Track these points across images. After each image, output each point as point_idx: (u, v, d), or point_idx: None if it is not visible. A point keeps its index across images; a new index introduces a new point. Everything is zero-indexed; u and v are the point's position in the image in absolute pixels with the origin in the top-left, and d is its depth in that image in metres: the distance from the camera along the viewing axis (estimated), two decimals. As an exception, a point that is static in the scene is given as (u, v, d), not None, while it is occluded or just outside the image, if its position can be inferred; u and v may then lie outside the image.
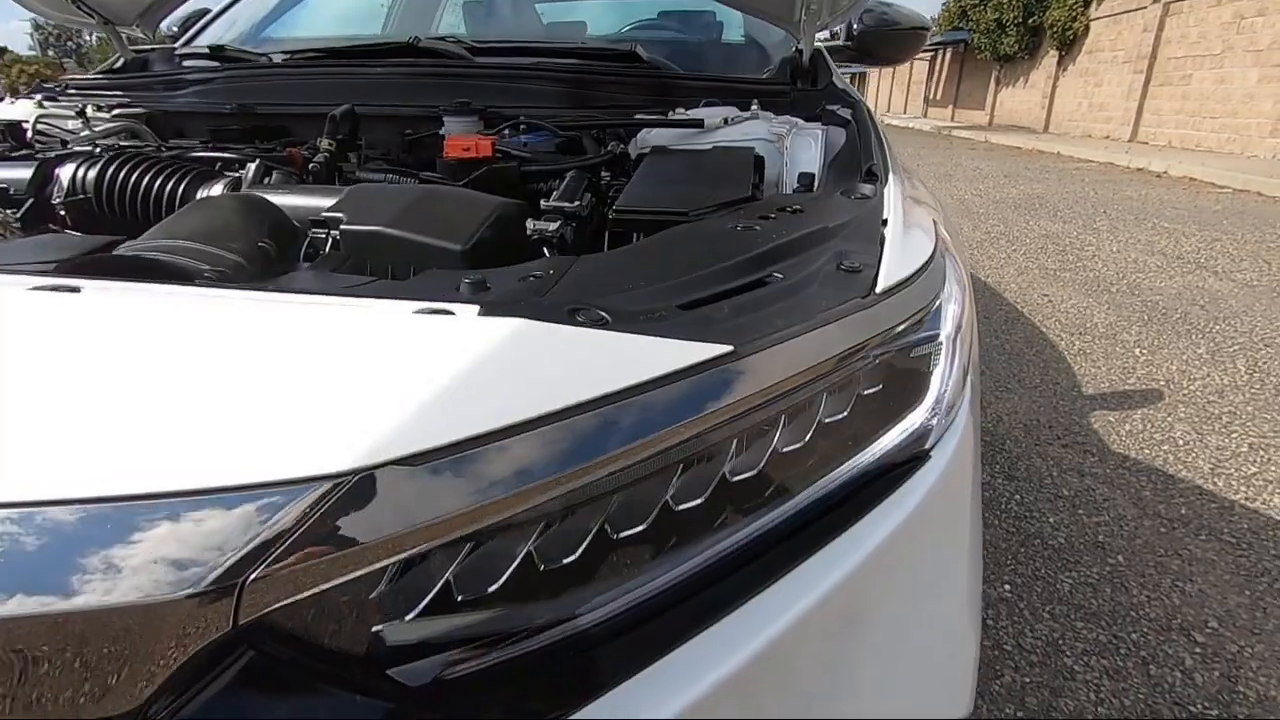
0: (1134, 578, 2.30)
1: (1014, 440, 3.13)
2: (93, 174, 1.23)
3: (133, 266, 0.80)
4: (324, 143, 1.59)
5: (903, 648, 0.76)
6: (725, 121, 1.63)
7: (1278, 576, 2.29)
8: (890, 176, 1.20)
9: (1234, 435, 3.16)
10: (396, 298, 0.69)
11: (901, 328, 0.87)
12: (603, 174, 1.43)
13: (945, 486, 0.87)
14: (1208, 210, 8.29)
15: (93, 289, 0.68)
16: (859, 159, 1.36)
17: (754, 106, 1.76)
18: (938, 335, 0.90)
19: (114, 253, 0.83)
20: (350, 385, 0.60)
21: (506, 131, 1.58)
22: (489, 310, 0.67)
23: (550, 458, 0.57)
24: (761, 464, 0.70)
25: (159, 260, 0.80)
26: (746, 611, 0.63)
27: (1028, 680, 1.89)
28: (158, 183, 1.20)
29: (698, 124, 1.62)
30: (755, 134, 1.62)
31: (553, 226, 1.09)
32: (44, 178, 1.28)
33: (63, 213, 1.27)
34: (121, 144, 1.74)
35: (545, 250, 1.14)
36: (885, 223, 1.06)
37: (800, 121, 1.76)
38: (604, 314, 0.72)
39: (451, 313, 0.67)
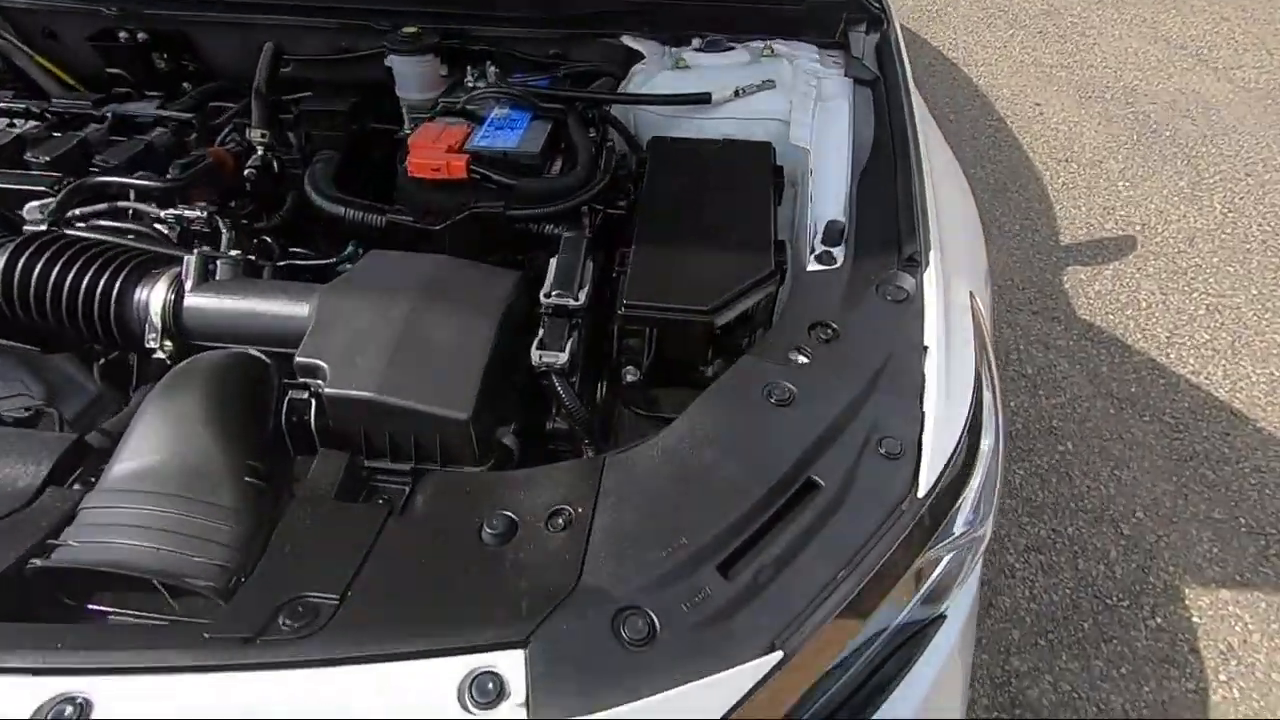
0: (1078, 466, 2.53)
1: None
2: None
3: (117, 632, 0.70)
4: (255, 134, 1.33)
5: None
6: (736, 94, 1.39)
7: (1204, 460, 2.54)
8: (931, 258, 1.08)
9: (1195, 295, 3.26)
10: (427, 652, 0.65)
11: (942, 529, 0.87)
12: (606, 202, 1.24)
13: (957, 637, 0.93)
14: (1223, -33, 7.54)
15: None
16: (892, 189, 1.20)
17: (765, 55, 1.49)
18: (973, 531, 0.90)
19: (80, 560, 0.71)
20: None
21: (478, 126, 1.32)
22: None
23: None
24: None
25: (146, 569, 0.70)
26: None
27: (975, 583, 2.16)
28: (85, 280, 1.00)
29: (704, 99, 1.38)
30: (771, 110, 1.39)
31: (562, 358, 0.98)
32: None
33: None
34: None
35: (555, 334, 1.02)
36: (925, 350, 0.99)
37: (820, 69, 1.51)
38: (653, 616, 0.71)
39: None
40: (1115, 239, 3.65)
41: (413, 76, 1.57)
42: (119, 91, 1.81)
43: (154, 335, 0.99)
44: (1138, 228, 3.72)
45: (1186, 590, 2.18)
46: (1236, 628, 2.08)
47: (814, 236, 1.17)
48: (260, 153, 1.34)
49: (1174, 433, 2.65)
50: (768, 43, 1.52)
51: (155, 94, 1.82)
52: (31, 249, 1.00)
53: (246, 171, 1.33)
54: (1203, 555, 2.27)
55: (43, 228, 1.12)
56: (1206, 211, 3.83)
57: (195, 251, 1.03)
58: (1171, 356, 2.98)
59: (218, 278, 1.03)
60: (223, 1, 1.73)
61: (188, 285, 1.01)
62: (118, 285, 1.00)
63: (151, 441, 0.79)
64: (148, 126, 1.41)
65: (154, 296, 1.00)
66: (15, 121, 1.44)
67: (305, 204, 1.33)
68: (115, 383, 1.12)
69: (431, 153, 1.23)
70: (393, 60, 1.57)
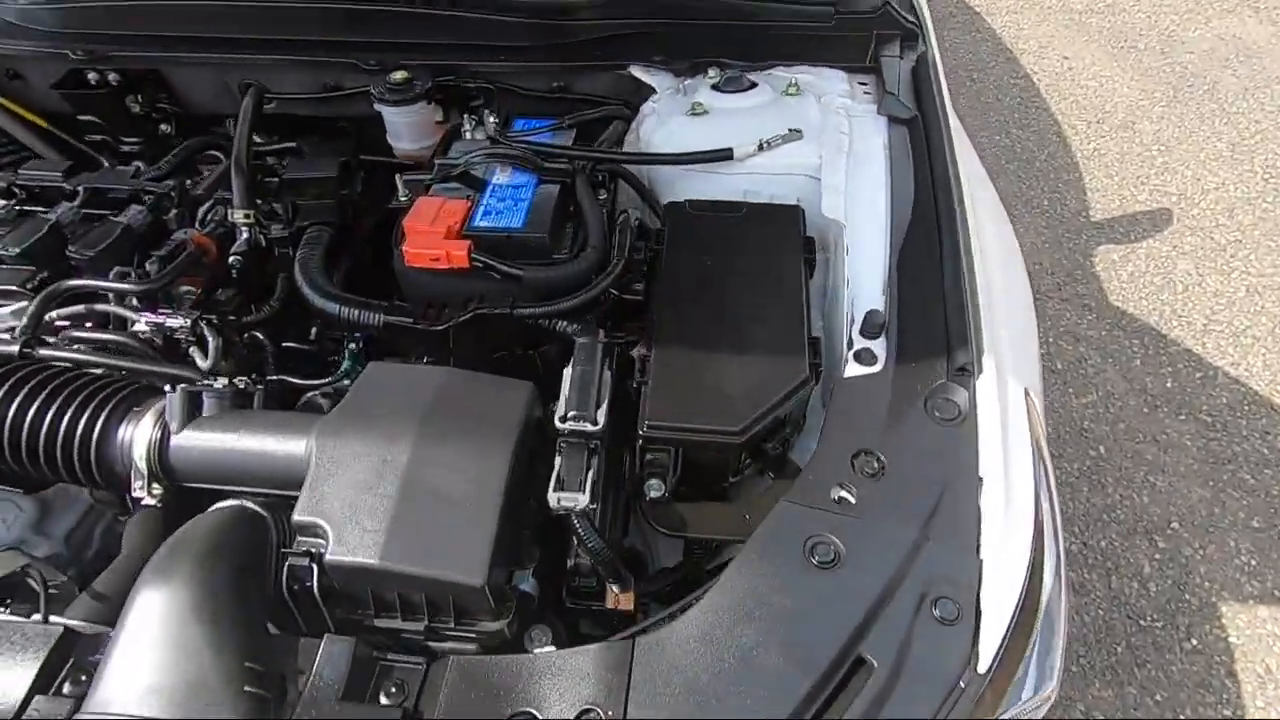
0: (1110, 472, 2.45)
1: (1015, 296, 3.06)
2: None
3: None
4: (238, 215, 1.22)
5: None
6: (761, 147, 1.26)
7: (1242, 463, 2.46)
8: (985, 364, 0.98)
9: (1234, 275, 3.11)
10: None
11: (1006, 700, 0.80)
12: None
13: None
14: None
15: None
16: (937, 272, 1.09)
17: (790, 92, 1.34)
18: (1041, 694, 0.83)
19: None
20: None
21: (480, 196, 1.20)
22: None
23: None
24: None
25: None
26: None
27: (1005, 606, 2.12)
28: (63, 423, 0.91)
29: (726, 155, 1.25)
30: (799, 165, 1.26)
31: (583, 500, 0.90)
32: None
33: None
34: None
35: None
36: (980, 481, 0.90)
37: (851, 104, 1.36)
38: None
39: None
40: (1149, 213, 3.47)
41: (405, 127, 1.45)
42: (92, 139, 1.70)
43: (140, 482, 0.92)
44: (1173, 198, 3.54)
45: (1223, 608, 2.13)
46: (1275, 648, 2.03)
47: (850, 325, 1.07)
48: (244, 235, 1.23)
49: (1210, 432, 2.56)
50: (793, 78, 1.38)
51: (131, 140, 1.71)
52: (2, 388, 0.92)
53: (231, 259, 1.23)
54: (1240, 568, 2.21)
55: (14, 349, 1.04)
56: (1246, 177, 3.63)
57: (179, 388, 0.94)
58: (1209, 345, 2.86)
59: (205, 413, 0.95)
60: (196, 40, 1.59)
61: (173, 426, 0.93)
62: (98, 427, 0.92)
63: (144, 649, 0.72)
64: (123, 202, 1.30)
65: (138, 438, 0.92)
66: (-15, 200, 1.35)
67: (296, 292, 1.23)
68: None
69: (429, 240, 1.12)
70: (383, 109, 1.44)
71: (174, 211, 1.29)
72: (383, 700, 0.78)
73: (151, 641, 0.74)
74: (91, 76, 1.63)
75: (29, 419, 0.92)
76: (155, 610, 0.76)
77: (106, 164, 1.74)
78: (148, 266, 1.23)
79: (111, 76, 1.62)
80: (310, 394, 1.12)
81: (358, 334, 1.25)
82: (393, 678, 0.79)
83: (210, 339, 1.10)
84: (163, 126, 1.68)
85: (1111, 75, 4.38)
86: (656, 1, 1.54)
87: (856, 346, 1.04)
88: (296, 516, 0.86)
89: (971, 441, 0.91)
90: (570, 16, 1.53)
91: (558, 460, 0.96)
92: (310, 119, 1.65)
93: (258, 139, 1.68)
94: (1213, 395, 2.70)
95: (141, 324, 1.10)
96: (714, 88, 1.39)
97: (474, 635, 0.89)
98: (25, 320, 1.07)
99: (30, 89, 1.71)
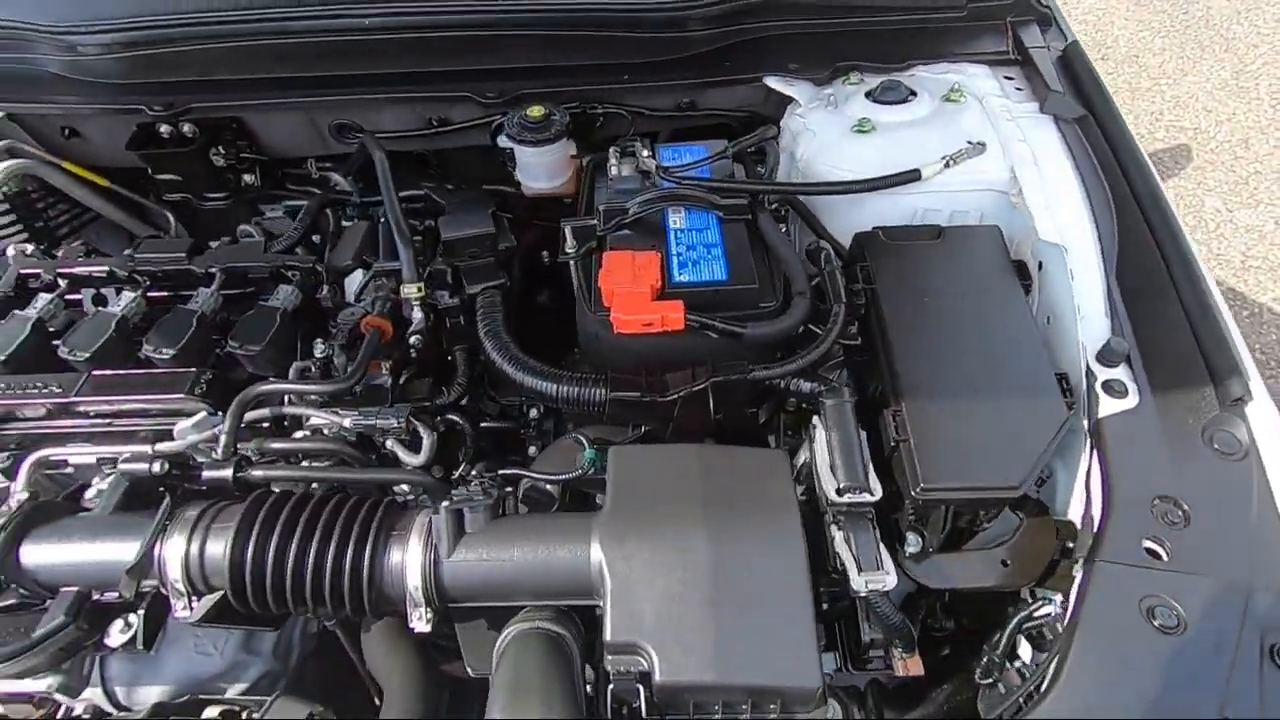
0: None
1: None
2: (220, 551, 0.83)
3: None
4: (411, 290, 1.12)
5: None
6: (947, 164, 1.21)
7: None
8: (1254, 389, 0.96)
9: (1260, 208, 3.19)
10: None
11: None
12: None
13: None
14: None
15: None
16: (1166, 288, 1.07)
17: (953, 97, 1.27)
18: None
19: None
20: None
21: (665, 245, 1.13)
22: None
23: None
24: None
25: None
26: None
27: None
28: (329, 560, 0.82)
29: (913, 177, 1.20)
30: (988, 180, 1.22)
31: (890, 580, 0.87)
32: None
33: None
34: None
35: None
36: None
37: (1009, 105, 1.31)
38: None
39: None
40: (1169, 150, 3.51)
41: (541, 166, 1.34)
42: (172, 198, 1.56)
43: (419, 611, 0.86)
44: (1189, 133, 3.59)
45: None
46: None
47: (1086, 354, 1.04)
48: (420, 316, 1.13)
49: (1265, 370, 2.64)
50: (954, 81, 1.31)
51: (216, 195, 1.57)
52: (256, 532, 0.84)
53: (412, 339, 1.13)
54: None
55: (226, 473, 0.95)
56: (1255, 106, 3.69)
57: (443, 508, 0.87)
58: (1250, 283, 2.93)
59: (469, 529, 0.89)
60: (279, 81, 1.44)
61: (443, 549, 0.87)
62: (367, 560, 0.86)
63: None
64: (264, 280, 1.19)
65: (410, 566, 0.86)
66: (101, 291, 1.21)
67: (476, 362, 1.15)
68: None
69: (637, 302, 1.05)
70: (519, 149, 1.33)
71: (326, 289, 1.19)
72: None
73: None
74: (164, 130, 1.48)
75: (291, 563, 0.85)
76: None
77: (172, 223, 1.60)
78: (316, 354, 1.13)
79: (186, 128, 1.48)
80: (531, 482, 1.05)
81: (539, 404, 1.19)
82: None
83: (425, 435, 1.02)
84: (246, 177, 1.54)
85: (1109, 7, 4.37)
86: (780, 4, 1.45)
87: (1102, 378, 1.02)
88: (612, 638, 0.82)
89: (1262, 476, 0.91)
90: (690, 28, 1.43)
91: (837, 535, 0.93)
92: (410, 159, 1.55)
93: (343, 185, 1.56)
94: (1262, 334, 2.78)
95: (346, 423, 1.02)
96: (870, 97, 1.32)
97: (794, 725, 0.87)
98: (225, 438, 0.98)
99: (90, 146, 1.55)
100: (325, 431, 1.09)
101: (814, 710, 0.87)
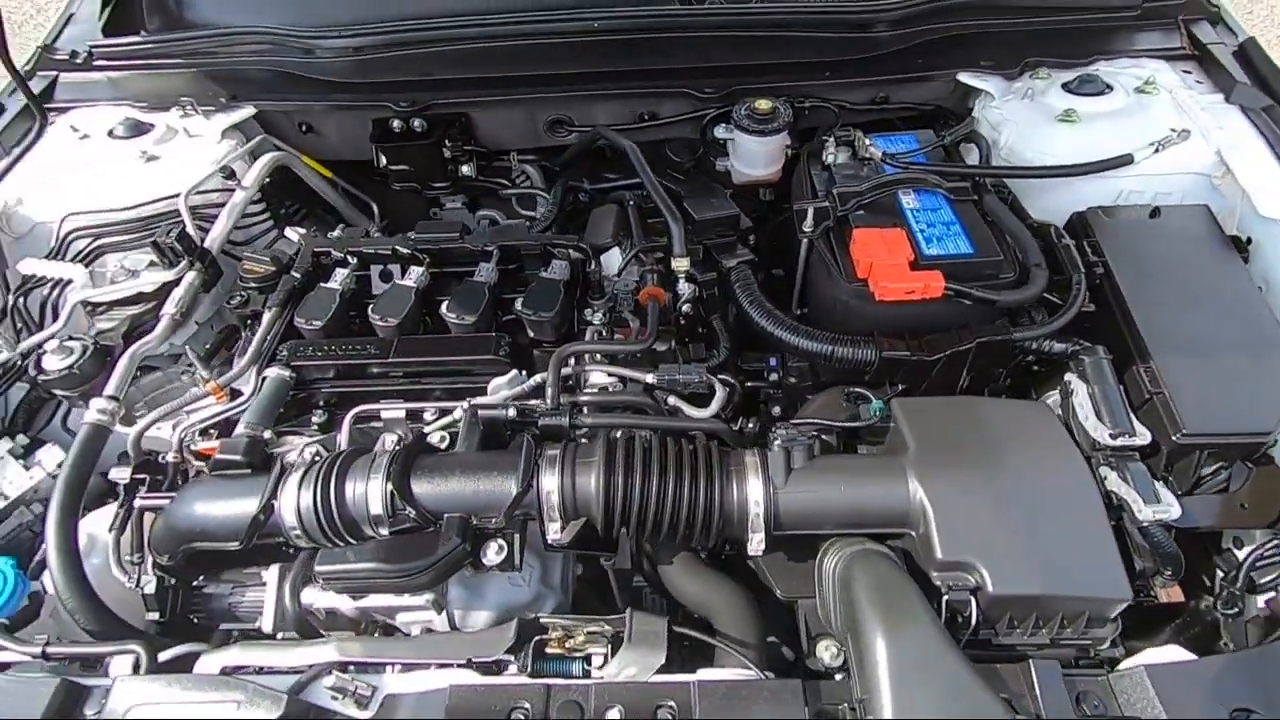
0: None
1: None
2: (589, 484, 0.95)
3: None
4: (681, 265, 1.24)
5: None
6: (1156, 149, 1.32)
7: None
8: None
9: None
10: None
11: None
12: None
13: None
14: None
15: None
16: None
17: (1146, 89, 1.39)
18: None
19: None
20: None
21: (906, 222, 1.25)
22: None
23: None
24: None
25: None
26: None
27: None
28: (685, 493, 0.94)
29: (1126, 161, 1.31)
30: (1191, 164, 1.33)
31: (1175, 509, 0.98)
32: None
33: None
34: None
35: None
36: None
37: (1195, 96, 1.43)
38: None
39: None
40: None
41: (761, 155, 1.47)
42: (406, 187, 1.70)
43: (758, 537, 0.98)
44: None
45: None
46: None
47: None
48: (690, 289, 1.26)
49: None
50: (1148, 74, 1.43)
51: (439, 184, 1.71)
52: (622, 469, 0.96)
53: (685, 308, 1.26)
54: None
55: (563, 420, 1.07)
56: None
57: (778, 445, 0.99)
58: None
59: (795, 465, 1.01)
60: (501, 79, 1.58)
61: (778, 481, 0.99)
62: (718, 490, 0.97)
63: (918, 696, 0.80)
64: (537, 258, 1.32)
65: (751, 495, 0.98)
66: (388, 268, 1.34)
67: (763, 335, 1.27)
68: None
69: (899, 273, 1.17)
70: (738, 137, 1.46)
71: (593, 264, 1.32)
72: (1086, 711, 0.87)
73: (925, 687, 0.81)
74: (396, 125, 1.62)
75: (653, 494, 0.97)
76: (915, 659, 0.83)
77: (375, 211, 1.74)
78: (594, 320, 1.26)
79: (417, 124, 1.61)
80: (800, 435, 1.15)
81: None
82: (1086, 691, 0.88)
83: (719, 390, 1.15)
84: (464, 168, 1.68)
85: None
86: (967, 6, 1.57)
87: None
88: (943, 556, 0.93)
89: None
90: (877, 30, 1.56)
91: (1110, 475, 1.04)
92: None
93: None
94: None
95: (649, 379, 1.14)
96: (1067, 90, 1.44)
97: (1084, 643, 0.98)
98: (551, 390, 1.10)
99: (321, 140, 1.69)
100: (610, 389, 1.21)
101: (1107, 629, 0.99)
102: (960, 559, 0.94)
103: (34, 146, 1.46)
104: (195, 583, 1.12)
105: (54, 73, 1.70)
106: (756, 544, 1.00)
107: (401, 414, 1.22)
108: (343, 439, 1.17)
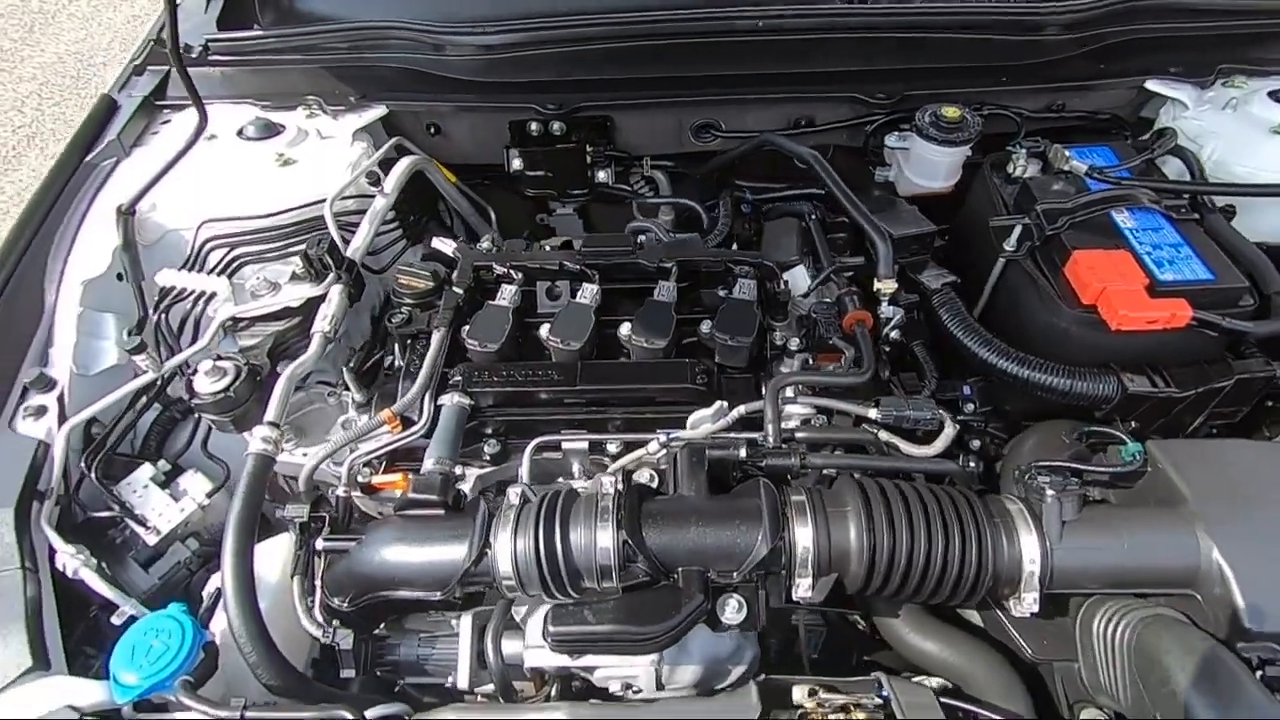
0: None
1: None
2: (846, 538, 0.86)
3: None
4: (887, 286, 1.13)
5: None
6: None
7: None
8: None
9: None
10: None
11: None
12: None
13: None
14: None
15: None
16: None
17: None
18: None
19: None
20: None
21: (1128, 243, 1.15)
22: None
23: None
24: None
25: None
26: None
27: None
28: (956, 551, 0.84)
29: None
30: None
31: None
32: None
33: None
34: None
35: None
36: None
37: None
38: None
39: None
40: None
41: (943, 166, 1.37)
42: (545, 194, 1.60)
43: (1031, 596, 0.88)
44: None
45: None
46: None
47: None
48: (898, 313, 1.15)
49: None
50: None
51: (578, 191, 1.61)
52: (882, 522, 0.86)
53: (893, 333, 1.16)
54: None
55: (792, 461, 0.97)
56: None
57: (1050, 494, 0.89)
58: None
59: (1066, 516, 0.91)
60: (644, 81, 1.48)
61: (1052, 535, 0.89)
62: (990, 546, 0.87)
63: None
64: (719, 276, 1.21)
65: (1025, 554, 0.87)
66: (555, 284, 1.23)
67: (937, 355, 1.17)
68: None
69: (1137, 300, 1.07)
70: (918, 146, 1.36)
71: (781, 284, 1.21)
72: None
73: None
74: (534, 127, 1.52)
75: (938, 548, 0.86)
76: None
77: (493, 217, 1.63)
78: (789, 345, 1.16)
79: (555, 126, 1.51)
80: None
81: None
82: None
83: (948, 426, 1.04)
84: (600, 174, 1.58)
85: None
86: (1151, 9, 1.47)
87: None
88: (1252, 625, 0.83)
89: None
90: (1057, 31, 1.46)
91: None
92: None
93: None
94: None
95: (872, 414, 1.04)
96: (1276, 99, 1.34)
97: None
98: (772, 426, 1.00)
99: (448, 143, 1.59)
100: (812, 421, 1.11)
101: None
102: (1274, 629, 0.84)
103: (191, 149, 1.33)
104: (376, 632, 1.02)
105: (165, 67, 1.59)
106: (1029, 604, 0.90)
107: (584, 445, 1.12)
108: (524, 472, 1.07)
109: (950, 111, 1.34)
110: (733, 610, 0.90)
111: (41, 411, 1.10)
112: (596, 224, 1.87)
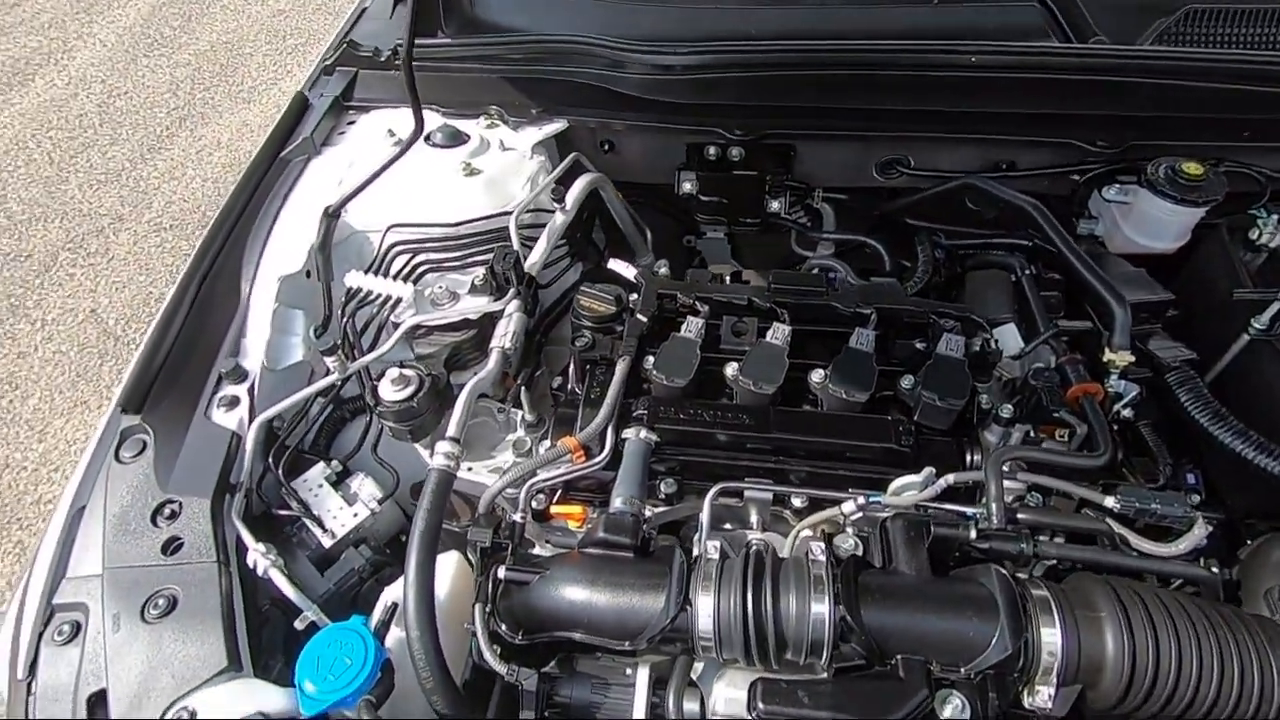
0: None
1: None
2: (1105, 646, 0.76)
3: None
4: (1120, 357, 1.02)
5: None
6: None
7: None
8: None
9: None
10: None
11: None
12: None
13: None
14: None
15: None
16: None
17: None
18: None
19: None
20: None
21: None
22: None
23: None
24: None
25: None
26: None
27: None
28: None
29: None
30: None
31: None
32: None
33: None
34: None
35: None
36: None
37: None
38: None
39: None
40: None
41: (1174, 226, 1.25)
42: (714, 220, 1.55)
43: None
44: None
45: None
46: None
47: None
48: (1133, 389, 1.04)
49: None
50: None
51: (750, 220, 1.55)
52: (1146, 629, 0.76)
53: (1125, 413, 1.05)
54: None
55: (1019, 547, 0.88)
56: None
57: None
58: None
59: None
60: (828, 111, 1.41)
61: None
62: (1272, 670, 0.76)
63: None
64: (920, 327, 1.13)
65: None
66: (742, 321, 1.18)
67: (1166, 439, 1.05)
68: None
69: None
70: (1145, 201, 1.24)
71: (982, 339, 1.12)
72: None
73: None
74: (711, 152, 1.47)
75: (1213, 667, 0.76)
76: None
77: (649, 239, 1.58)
78: (1004, 415, 1.06)
79: (734, 152, 1.46)
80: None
81: None
82: None
83: (1199, 526, 0.93)
84: (774, 204, 1.52)
85: None
86: None
87: None
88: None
89: None
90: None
91: None
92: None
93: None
94: None
95: (1109, 502, 0.93)
96: None
97: None
98: (995, 505, 0.91)
99: (619, 161, 1.56)
100: (1027, 500, 1.01)
101: None
102: None
103: (406, 152, 1.34)
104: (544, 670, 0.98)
105: (353, 69, 1.63)
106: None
107: (768, 496, 1.05)
108: (705, 519, 1.01)
109: (1192, 168, 1.22)
110: (954, 710, 0.81)
111: (235, 402, 1.12)
112: (742, 250, 1.81)
